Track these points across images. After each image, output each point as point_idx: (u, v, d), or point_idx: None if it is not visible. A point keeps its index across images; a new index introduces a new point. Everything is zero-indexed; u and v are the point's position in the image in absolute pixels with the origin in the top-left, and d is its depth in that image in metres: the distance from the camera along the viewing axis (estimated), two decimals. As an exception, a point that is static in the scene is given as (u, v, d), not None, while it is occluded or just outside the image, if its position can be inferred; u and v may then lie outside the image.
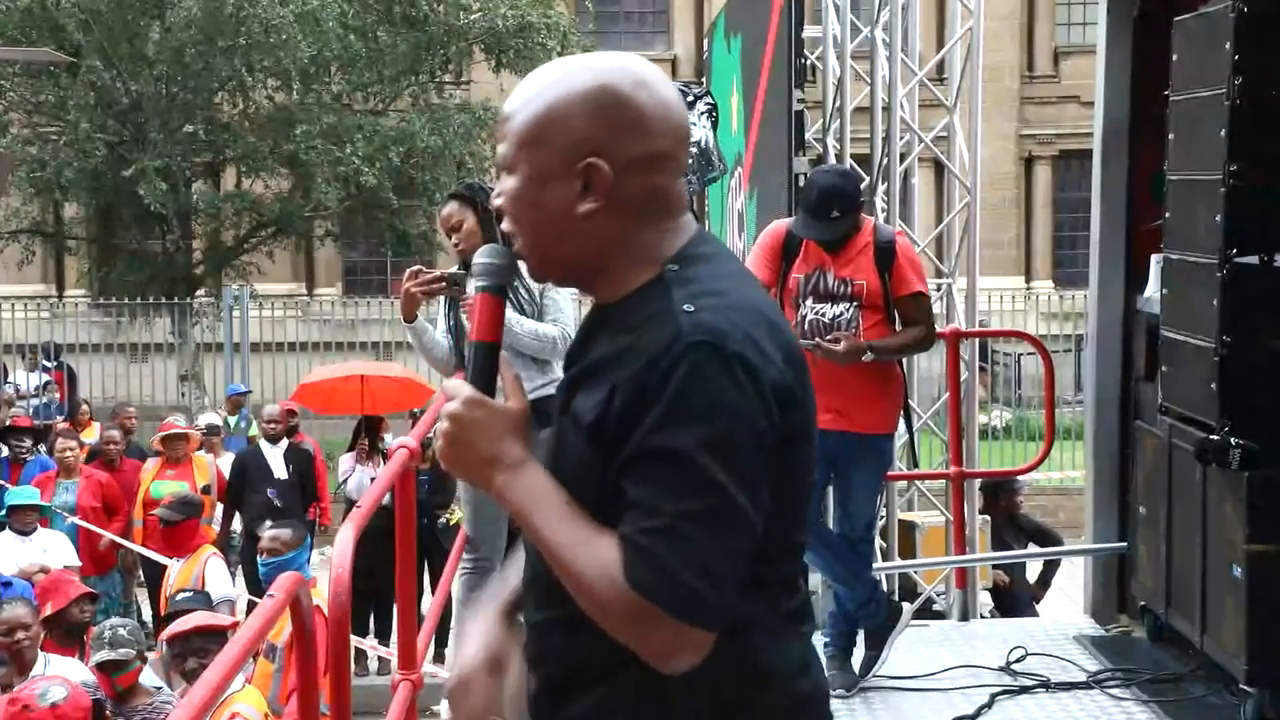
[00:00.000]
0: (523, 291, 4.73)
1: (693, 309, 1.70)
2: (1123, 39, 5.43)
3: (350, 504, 9.97)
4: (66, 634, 6.37)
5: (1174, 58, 4.67)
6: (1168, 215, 4.74)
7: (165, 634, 5.42)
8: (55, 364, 17.63)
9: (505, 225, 1.84)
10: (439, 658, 8.76)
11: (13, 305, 17.62)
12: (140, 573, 10.13)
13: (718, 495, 1.65)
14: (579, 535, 1.70)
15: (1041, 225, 26.95)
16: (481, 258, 1.85)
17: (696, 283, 1.74)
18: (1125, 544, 5.40)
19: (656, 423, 1.67)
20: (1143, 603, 5.21)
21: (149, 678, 5.66)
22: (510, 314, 4.53)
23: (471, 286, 1.88)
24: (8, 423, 10.71)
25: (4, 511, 8.40)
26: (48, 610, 6.26)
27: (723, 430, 1.66)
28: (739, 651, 1.74)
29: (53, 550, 8.26)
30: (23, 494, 8.65)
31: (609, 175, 1.75)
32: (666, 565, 1.65)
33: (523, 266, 1.86)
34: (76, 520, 9.24)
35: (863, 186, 7.67)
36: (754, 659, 1.77)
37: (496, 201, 1.83)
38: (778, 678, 1.79)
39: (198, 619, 5.47)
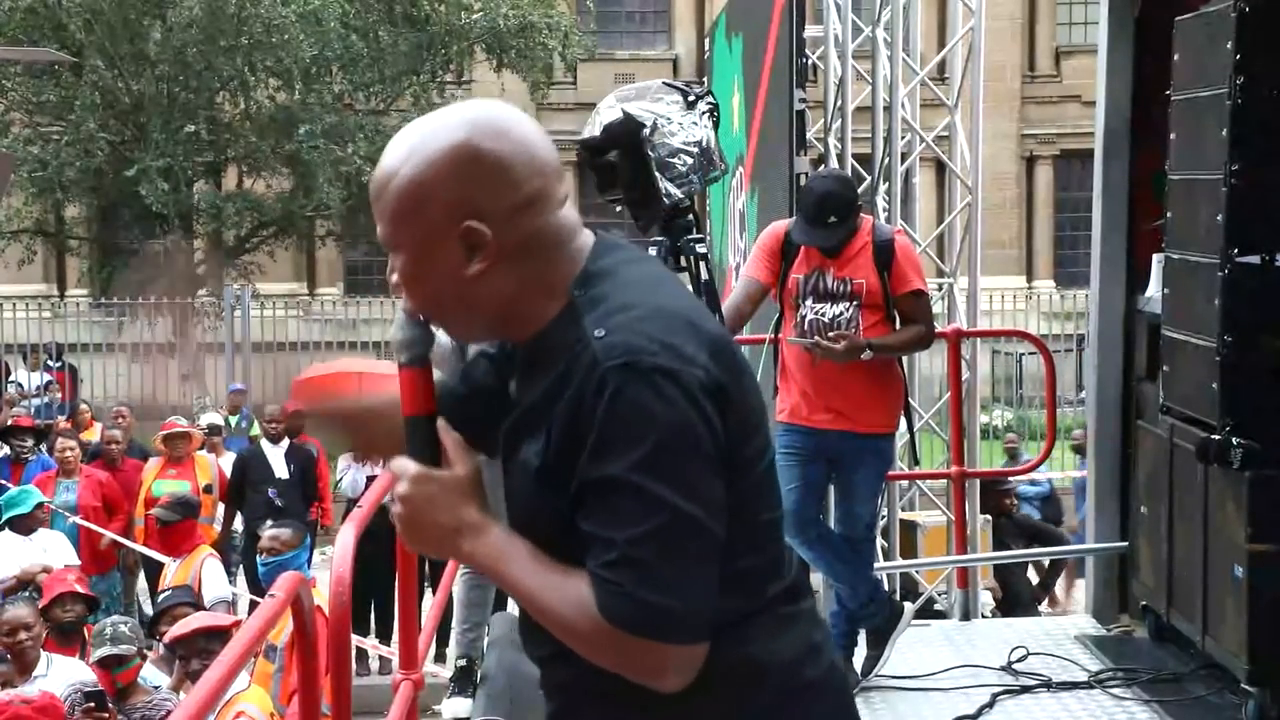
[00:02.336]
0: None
1: (603, 332, 1.69)
2: (1124, 39, 5.43)
3: (350, 503, 9.98)
4: (59, 633, 6.38)
5: (1175, 57, 4.67)
6: (1169, 215, 4.74)
7: (169, 635, 5.43)
8: (58, 364, 17.64)
9: (404, 303, 1.83)
10: (440, 658, 8.76)
11: (14, 305, 17.64)
12: (141, 572, 10.14)
13: (663, 512, 1.64)
14: (551, 581, 1.71)
15: (1043, 225, 26.96)
16: (396, 334, 1.84)
17: (604, 301, 1.73)
18: (1126, 543, 5.40)
19: (590, 455, 1.66)
20: (1144, 602, 5.21)
21: (149, 677, 5.67)
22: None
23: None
24: (9, 422, 10.70)
25: (20, 513, 8.35)
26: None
27: (654, 446, 1.64)
28: (727, 649, 1.74)
29: (53, 550, 8.26)
30: (34, 494, 8.61)
31: (488, 234, 1.73)
32: (631, 593, 1.65)
33: None
34: (77, 520, 9.24)
35: (863, 187, 7.69)
36: (745, 654, 1.76)
37: (392, 278, 1.82)
38: (775, 667, 1.78)
39: (200, 619, 5.47)
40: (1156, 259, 5.00)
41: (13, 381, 15.50)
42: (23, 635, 5.67)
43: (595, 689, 1.77)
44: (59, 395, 15.47)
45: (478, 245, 1.73)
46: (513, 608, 3.73)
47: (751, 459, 1.76)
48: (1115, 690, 4.77)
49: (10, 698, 4.58)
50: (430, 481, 1.76)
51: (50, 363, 17.42)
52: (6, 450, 10.18)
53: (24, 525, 8.25)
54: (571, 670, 1.78)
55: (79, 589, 6.57)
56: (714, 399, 1.69)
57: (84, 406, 13.26)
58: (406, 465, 1.77)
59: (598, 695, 1.78)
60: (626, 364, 1.66)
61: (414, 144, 1.75)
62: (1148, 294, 5.19)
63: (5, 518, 8.35)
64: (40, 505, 8.43)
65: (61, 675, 5.49)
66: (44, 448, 10.34)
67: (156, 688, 5.58)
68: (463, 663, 4.96)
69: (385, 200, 1.76)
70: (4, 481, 9.61)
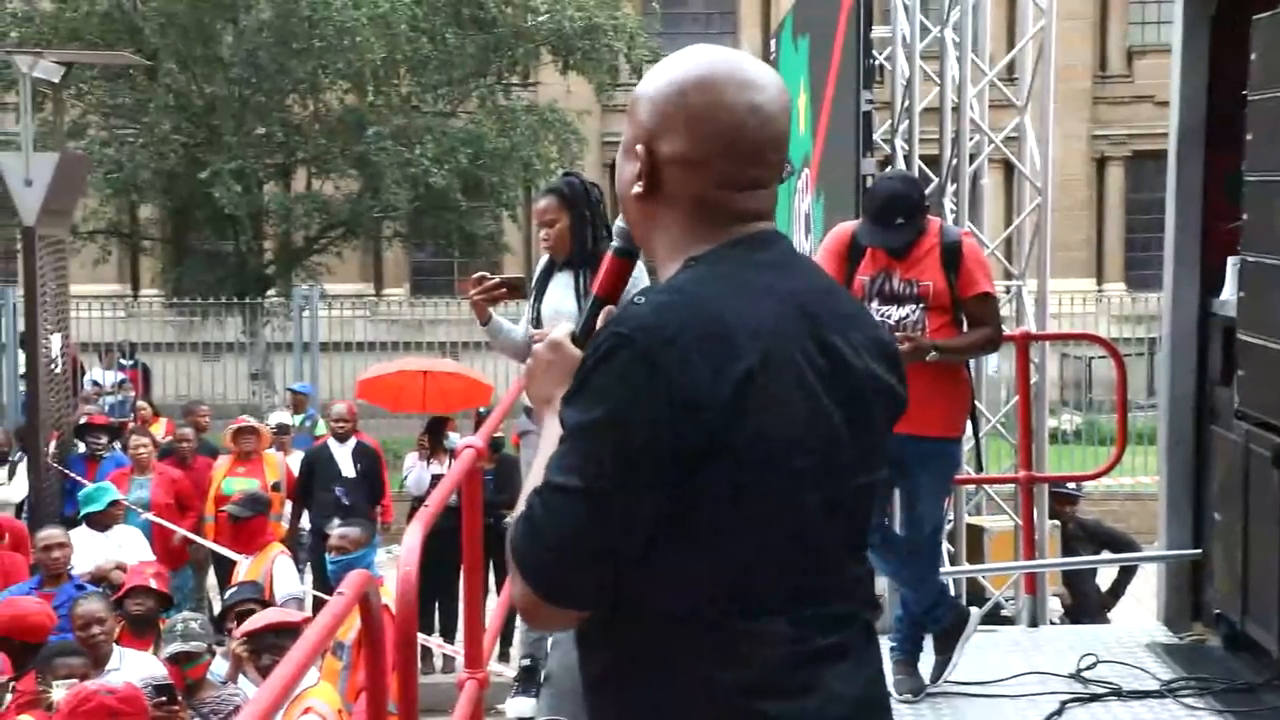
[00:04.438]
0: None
1: (641, 300, 1.76)
2: (1199, 37, 5.35)
3: (415, 502, 10.05)
4: (131, 626, 6.49)
5: (1252, 56, 4.59)
6: (1246, 217, 4.66)
7: (240, 630, 5.50)
8: (131, 363, 17.91)
9: None
10: (504, 656, 8.80)
11: (89, 304, 17.92)
12: (211, 568, 10.27)
13: (579, 477, 1.71)
14: (528, 486, 1.81)
15: (1113, 227, 26.62)
16: (620, 222, 1.97)
17: (685, 276, 1.80)
18: (1200, 550, 5.32)
19: (568, 393, 1.77)
20: (1218, 610, 5.13)
21: (218, 673, 5.74)
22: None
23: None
24: (85, 420, 10.88)
25: (94, 509, 8.50)
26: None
27: (604, 418, 1.70)
28: (665, 654, 1.75)
29: (128, 545, 8.39)
30: (106, 491, 8.76)
31: (649, 164, 1.84)
32: (525, 530, 1.74)
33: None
34: (150, 516, 9.38)
35: (930, 188, 7.63)
36: (660, 660, 1.76)
37: None
38: (699, 684, 1.73)
39: (272, 615, 5.54)
40: (1232, 261, 4.92)
41: (91, 380, 15.74)
42: (95, 629, 5.77)
43: (585, 675, 1.86)
44: (132, 393, 15.70)
45: (641, 170, 1.85)
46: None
47: (748, 491, 1.72)
48: (1187, 700, 4.69)
49: (96, 687, 4.65)
50: (558, 350, 1.91)
51: (123, 361, 17.69)
52: (82, 447, 10.36)
53: (100, 521, 8.39)
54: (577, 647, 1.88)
55: (153, 584, 6.67)
56: (686, 411, 1.69)
57: (141, 405, 13.43)
58: (562, 329, 1.94)
59: (587, 684, 1.86)
60: (626, 335, 1.72)
61: (671, 60, 1.88)
62: (1222, 297, 5.11)
63: (82, 514, 8.50)
64: (115, 502, 8.57)
65: (133, 669, 5.57)
66: (118, 445, 10.50)
67: (224, 683, 5.65)
68: (526, 662, 4.98)
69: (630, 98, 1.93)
70: (80, 478, 9.77)
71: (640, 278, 4.73)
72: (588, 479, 1.70)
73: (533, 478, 1.79)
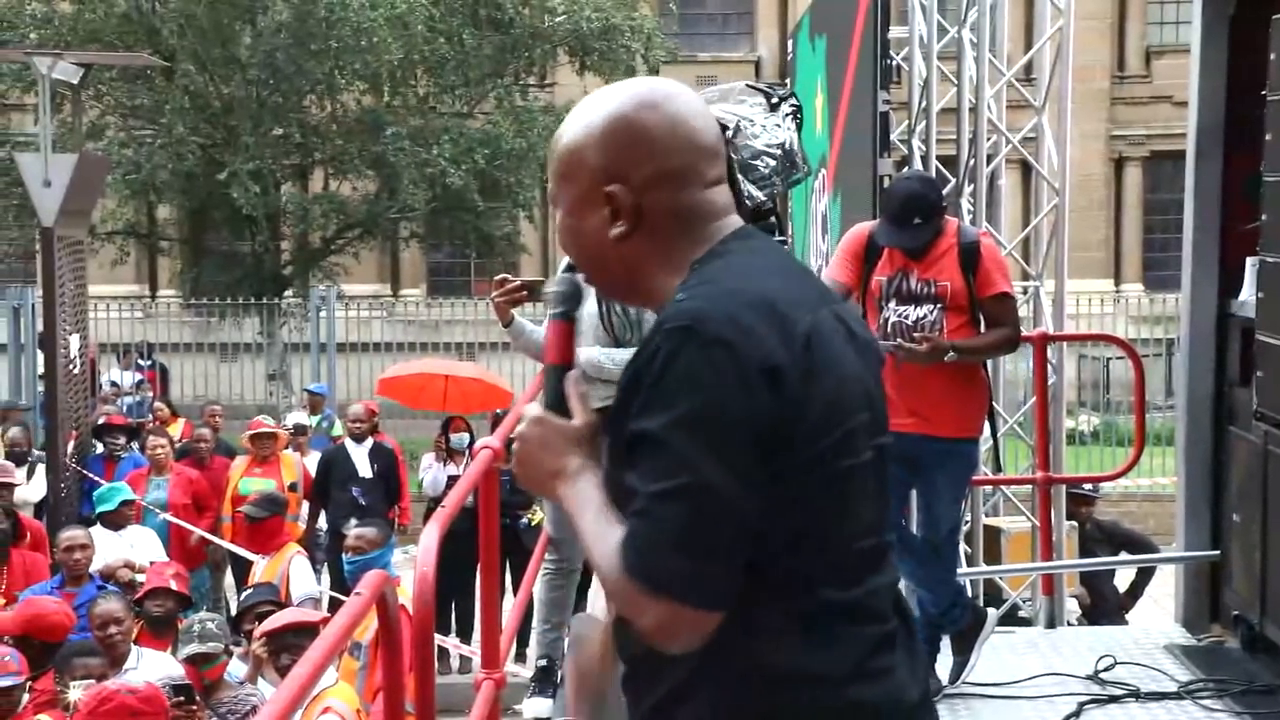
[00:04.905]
0: (616, 310, 4.72)
1: (682, 298, 1.75)
2: (1218, 37, 5.33)
3: (432, 503, 10.07)
4: (150, 626, 6.51)
5: (1272, 56, 4.57)
6: (1265, 217, 4.64)
7: (258, 630, 5.51)
8: (148, 363, 17.98)
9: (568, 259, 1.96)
10: (520, 657, 8.81)
11: (107, 305, 17.99)
12: (229, 568, 10.30)
13: (687, 473, 1.66)
14: (601, 530, 1.75)
15: (1131, 227, 26.54)
16: (550, 288, 2.01)
17: (705, 274, 1.79)
18: (1218, 551, 5.30)
19: (638, 410, 1.71)
20: (1236, 612, 5.11)
21: (235, 674, 5.75)
22: (599, 353, 4.55)
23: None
24: (103, 420, 10.92)
25: (107, 509, 8.55)
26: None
27: (693, 409, 1.67)
28: (756, 651, 1.73)
29: (140, 545, 8.42)
30: (120, 491, 8.81)
31: (629, 199, 1.82)
32: (643, 546, 1.68)
33: None
34: (168, 516, 9.41)
35: (948, 189, 7.62)
36: (773, 659, 1.74)
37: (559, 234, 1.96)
38: (808, 681, 1.74)
39: (291, 615, 5.55)
40: (1251, 262, 4.90)
41: (110, 380, 15.80)
42: (113, 629, 5.79)
43: (640, 670, 1.82)
44: (150, 394, 15.76)
45: (619, 209, 1.83)
46: (592, 609, 3.73)
47: (827, 454, 1.74)
48: (1206, 702, 4.68)
49: (117, 687, 4.67)
50: (546, 425, 1.86)
51: (141, 362, 17.76)
52: (101, 448, 10.40)
53: (114, 521, 8.44)
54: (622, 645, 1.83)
55: (173, 585, 6.69)
56: (770, 379, 1.69)
57: (158, 406, 13.48)
58: (532, 408, 1.89)
59: (642, 675, 1.81)
60: (687, 327, 1.70)
61: (582, 111, 1.88)
62: (1241, 297, 5.09)
63: (96, 514, 8.55)
64: (126, 503, 8.60)
65: (150, 669, 5.59)
66: (136, 445, 10.54)
67: (242, 683, 5.66)
68: (543, 663, 4.98)
69: (553, 160, 1.91)
70: (97, 478, 9.82)
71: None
72: (698, 471, 1.67)
73: (590, 528, 1.76)
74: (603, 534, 1.74)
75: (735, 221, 1.87)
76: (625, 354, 4.64)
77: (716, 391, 1.68)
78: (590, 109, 1.87)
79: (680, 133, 1.83)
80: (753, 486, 1.69)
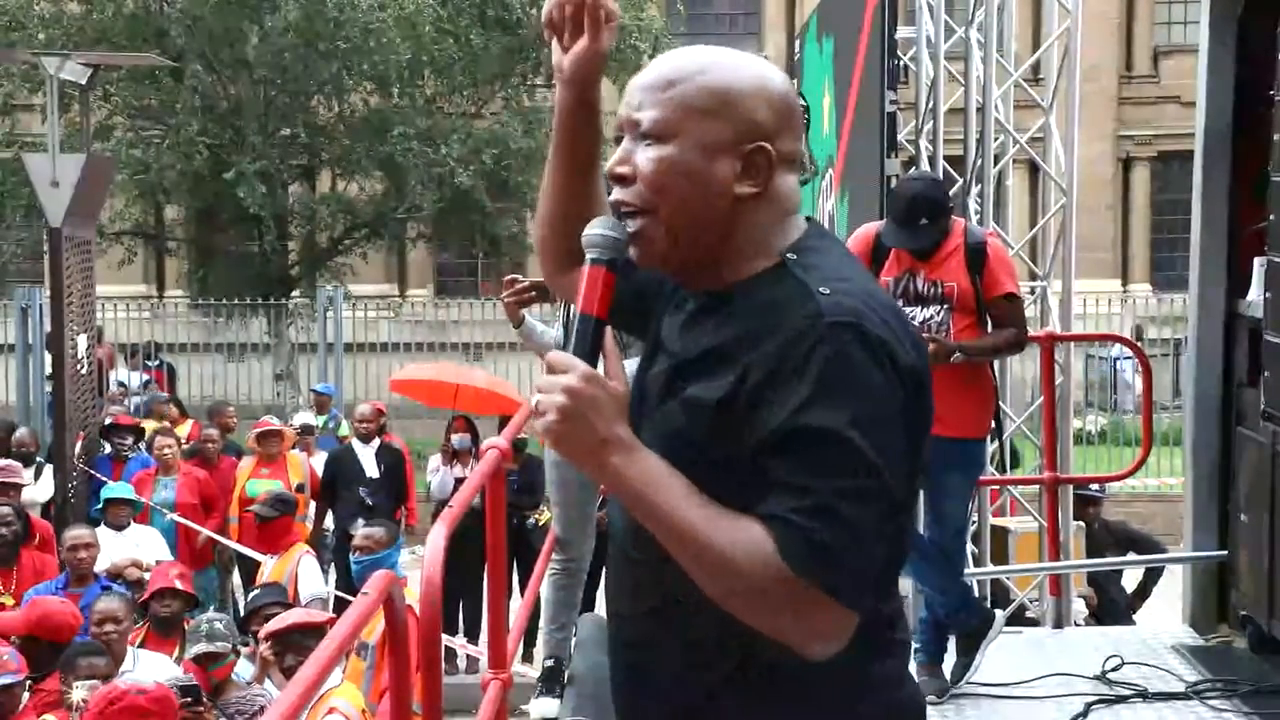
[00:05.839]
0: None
1: (829, 291, 1.70)
2: (1226, 38, 5.32)
3: (440, 504, 10.07)
4: (156, 627, 6.52)
5: (1279, 57, 4.56)
6: (1272, 217, 4.64)
7: (264, 630, 5.52)
8: (156, 363, 17.99)
9: (631, 194, 1.78)
10: (527, 657, 8.81)
11: (115, 305, 18.01)
12: (236, 569, 10.31)
13: (871, 475, 1.64)
14: (714, 516, 1.65)
15: (1139, 227, 26.51)
16: (594, 229, 1.77)
17: (821, 270, 1.75)
18: (1226, 552, 5.29)
19: (805, 401, 1.64)
20: (1244, 612, 5.10)
21: (243, 674, 5.76)
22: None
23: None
24: (110, 420, 10.94)
25: (100, 505, 8.60)
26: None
27: (872, 410, 1.65)
28: (852, 655, 1.71)
29: (145, 545, 8.43)
30: (116, 489, 8.85)
31: (774, 162, 1.78)
32: (825, 544, 1.61)
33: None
34: (176, 517, 9.42)
35: (955, 189, 7.61)
36: (864, 664, 1.76)
37: (621, 169, 1.78)
38: (880, 685, 1.79)
39: (296, 615, 5.55)
40: (1258, 262, 4.90)
41: (116, 380, 15.82)
42: (110, 628, 5.79)
43: (690, 659, 1.78)
44: (158, 394, 15.76)
45: (760, 170, 1.77)
46: (600, 608, 3.74)
47: (920, 464, 1.77)
48: (1213, 702, 4.67)
49: (126, 687, 4.67)
50: (600, 384, 1.68)
51: (148, 362, 17.77)
52: (108, 448, 10.41)
53: (113, 522, 8.47)
54: (663, 632, 1.78)
55: (179, 585, 6.70)
56: (916, 387, 1.71)
57: (167, 405, 13.49)
58: (572, 360, 1.69)
59: (688, 666, 1.78)
60: (854, 325, 1.67)
61: (728, 61, 1.80)
62: (1249, 298, 5.08)
63: (99, 509, 8.60)
64: (118, 500, 8.60)
65: (147, 670, 5.57)
66: (143, 445, 10.55)
67: (249, 684, 5.67)
68: (550, 663, 4.98)
69: (683, 89, 1.76)
70: (105, 478, 9.83)
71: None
72: (881, 475, 1.64)
73: (688, 512, 1.65)
74: (720, 520, 1.65)
75: (804, 216, 1.88)
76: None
77: (888, 396, 1.67)
78: (751, 64, 1.81)
79: (800, 122, 1.86)
80: (905, 490, 1.71)
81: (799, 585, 1.62)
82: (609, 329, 1.77)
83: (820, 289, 1.70)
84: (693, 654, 1.77)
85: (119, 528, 8.44)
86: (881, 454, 1.64)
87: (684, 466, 1.70)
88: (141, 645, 6.20)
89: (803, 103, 4.11)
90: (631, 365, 2.01)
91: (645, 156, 1.77)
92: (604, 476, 1.71)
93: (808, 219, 1.86)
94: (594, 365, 1.71)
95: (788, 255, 1.77)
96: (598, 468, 1.69)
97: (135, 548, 8.29)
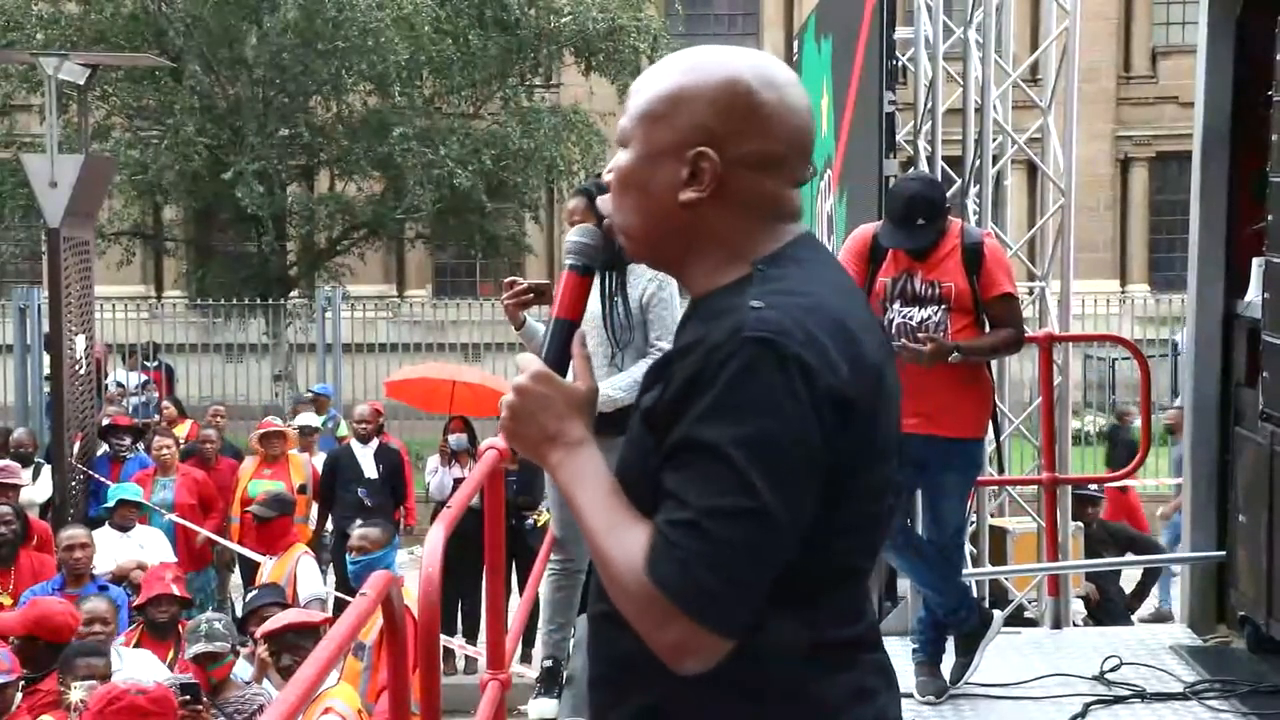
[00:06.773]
0: (619, 312, 4.68)
1: (761, 305, 1.65)
2: (1224, 38, 5.32)
3: (438, 505, 10.07)
4: (152, 631, 6.51)
5: (1278, 56, 4.57)
6: (1271, 218, 4.64)
7: (260, 631, 5.52)
8: (154, 364, 17.99)
9: (605, 200, 1.82)
10: (526, 658, 8.81)
11: (113, 306, 18.01)
12: (236, 569, 10.31)
13: (749, 497, 1.59)
14: (614, 520, 1.67)
15: (1137, 228, 26.53)
16: (573, 237, 1.84)
17: (779, 282, 1.70)
18: (1224, 553, 5.29)
19: (700, 414, 1.62)
20: (1242, 613, 5.10)
21: (241, 674, 5.76)
22: (606, 385, 4.45)
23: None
24: (108, 421, 10.93)
25: (107, 506, 8.60)
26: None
27: (765, 431, 1.60)
28: (780, 677, 1.69)
29: (150, 546, 8.43)
30: (127, 490, 8.84)
31: (717, 167, 1.72)
32: (685, 560, 1.60)
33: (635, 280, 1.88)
34: (174, 517, 9.42)
35: (953, 189, 7.61)
36: (796, 686, 1.71)
37: (606, 176, 1.81)
38: (815, 702, 1.72)
39: (291, 616, 5.55)
40: (1257, 262, 4.90)
41: (116, 381, 15.82)
42: (98, 628, 5.80)
43: (636, 668, 1.72)
44: (155, 394, 15.77)
45: (702, 174, 1.73)
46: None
47: (867, 490, 1.71)
48: (1211, 702, 4.67)
49: (126, 686, 4.67)
50: (549, 383, 1.76)
51: (147, 363, 17.77)
52: (106, 448, 10.41)
53: (119, 523, 8.46)
54: (615, 636, 1.74)
55: (174, 589, 6.68)
56: (839, 411, 1.64)
57: (165, 405, 13.49)
58: (532, 361, 1.79)
59: (637, 676, 1.73)
60: (769, 341, 1.62)
61: (691, 63, 1.76)
62: (1247, 298, 5.08)
63: (104, 509, 8.59)
64: (124, 503, 8.60)
65: (133, 670, 5.56)
66: (142, 446, 10.55)
67: (247, 683, 5.67)
68: (548, 663, 4.99)
69: (640, 97, 1.77)
70: (103, 479, 9.83)
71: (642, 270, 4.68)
72: (760, 497, 1.59)
73: (597, 514, 1.67)
74: (617, 525, 1.67)
75: (803, 228, 1.80)
76: (631, 377, 4.55)
77: (789, 417, 1.60)
78: (707, 61, 1.75)
79: (790, 122, 1.75)
80: (802, 520, 1.64)
81: (655, 597, 1.61)
82: (578, 332, 1.83)
83: (753, 302, 1.65)
84: (635, 661, 1.73)
85: (125, 529, 8.44)
86: (767, 477, 1.59)
87: (636, 474, 1.71)
88: (136, 648, 6.20)
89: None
90: (635, 367, 2.09)
91: (613, 163, 1.80)
92: (550, 473, 1.77)
93: (806, 234, 1.80)
94: (563, 366, 1.78)
95: (758, 266, 1.73)
96: (541, 462, 1.76)
97: (140, 549, 8.29)
